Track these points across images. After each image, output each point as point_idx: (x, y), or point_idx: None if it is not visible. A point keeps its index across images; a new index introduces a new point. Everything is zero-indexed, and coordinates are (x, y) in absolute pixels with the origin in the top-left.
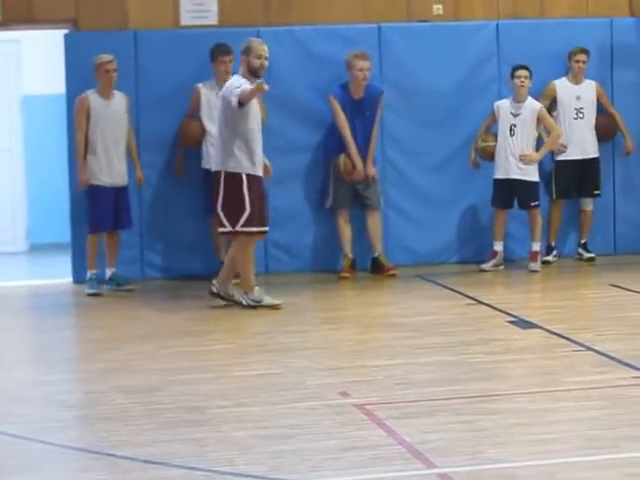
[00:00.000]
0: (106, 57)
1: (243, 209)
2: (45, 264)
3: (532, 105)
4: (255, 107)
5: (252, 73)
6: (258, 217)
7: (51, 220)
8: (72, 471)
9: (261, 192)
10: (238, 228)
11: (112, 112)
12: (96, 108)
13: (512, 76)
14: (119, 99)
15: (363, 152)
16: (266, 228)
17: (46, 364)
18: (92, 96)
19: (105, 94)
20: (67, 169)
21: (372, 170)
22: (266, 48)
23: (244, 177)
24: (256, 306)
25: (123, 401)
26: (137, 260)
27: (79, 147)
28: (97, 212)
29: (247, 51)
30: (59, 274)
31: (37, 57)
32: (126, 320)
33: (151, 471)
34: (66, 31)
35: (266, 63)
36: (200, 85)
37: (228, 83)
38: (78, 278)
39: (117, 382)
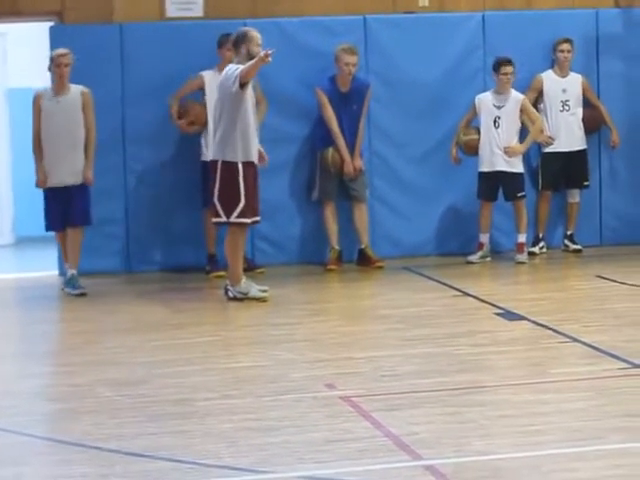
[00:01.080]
0: (60, 51)
1: (238, 200)
2: (31, 257)
3: (516, 96)
4: (252, 97)
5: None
6: (252, 208)
7: (37, 213)
8: (57, 464)
9: (255, 180)
10: (232, 219)
11: (63, 108)
12: (46, 105)
13: (496, 70)
14: (74, 94)
15: (350, 145)
16: (258, 218)
17: (32, 357)
18: (44, 94)
19: (58, 90)
20: None
21: (359, 163)
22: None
23: (240, 166)
24: (242, 298)
25: (109, 394)
26: (123, 252)
27: (34, 146)
28: (46, 212)
29: (245, 38)
30: (45, 267)
31: (23, 50)
32: (112, 313)
33: (137, 464)
34: (51, 24)
35: (258, 56)
36: (204, 73)
37: (224, 72)
38: (64, 271)
39: (103, 375)
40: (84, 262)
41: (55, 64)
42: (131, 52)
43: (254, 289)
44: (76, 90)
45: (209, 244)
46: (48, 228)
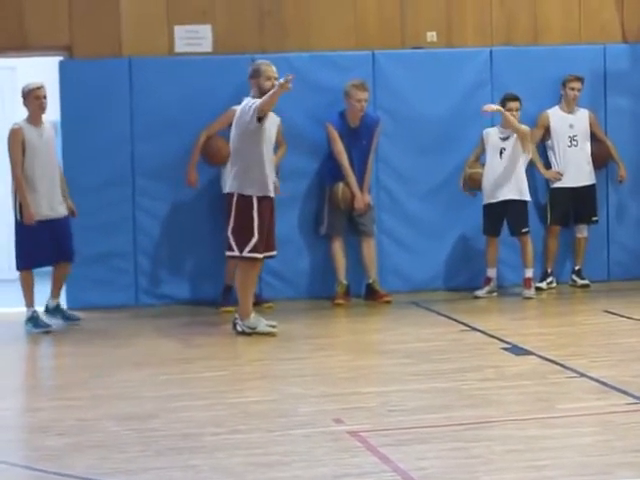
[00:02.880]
0: (35, 84)
1: (251, 235)
2: (37, 291)
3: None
4: (268, 130)
5: (264, 96)
6: (265, 243)
7: None
8: None
9: (271, 214)
10: (245, 254)
11: (45, 141)
12: (31, 139)
13: (503, 106)
14: (49, 126)
15: (359, 180)
16: (272, 253)
17: (39, 391)
18: (25, 127)
19: (36, 122)
20: None
21: (368, 198)
22: (275, 69)
23: (255, 200)
24: (251, 333)
25: (117, 428)
26: (131, 286)
27: (19, 182)
28: (34, 247)
29: (257, 74)
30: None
31: None
32: (119, 347)
33: None
34: (61, 58)
35: (277, 84)
36: (236, 108)
37: (241, 106)
38: (71, 304)
39: (111, 409)
40: (93, 296)
41: (34, 96)
42: (140, 86)
43: (262, 324)
44: (48, 123)
45: (228, 276)
46: (32, 265)
